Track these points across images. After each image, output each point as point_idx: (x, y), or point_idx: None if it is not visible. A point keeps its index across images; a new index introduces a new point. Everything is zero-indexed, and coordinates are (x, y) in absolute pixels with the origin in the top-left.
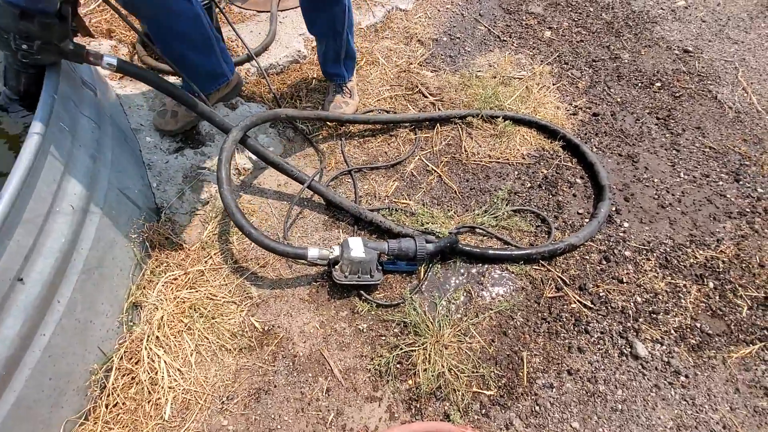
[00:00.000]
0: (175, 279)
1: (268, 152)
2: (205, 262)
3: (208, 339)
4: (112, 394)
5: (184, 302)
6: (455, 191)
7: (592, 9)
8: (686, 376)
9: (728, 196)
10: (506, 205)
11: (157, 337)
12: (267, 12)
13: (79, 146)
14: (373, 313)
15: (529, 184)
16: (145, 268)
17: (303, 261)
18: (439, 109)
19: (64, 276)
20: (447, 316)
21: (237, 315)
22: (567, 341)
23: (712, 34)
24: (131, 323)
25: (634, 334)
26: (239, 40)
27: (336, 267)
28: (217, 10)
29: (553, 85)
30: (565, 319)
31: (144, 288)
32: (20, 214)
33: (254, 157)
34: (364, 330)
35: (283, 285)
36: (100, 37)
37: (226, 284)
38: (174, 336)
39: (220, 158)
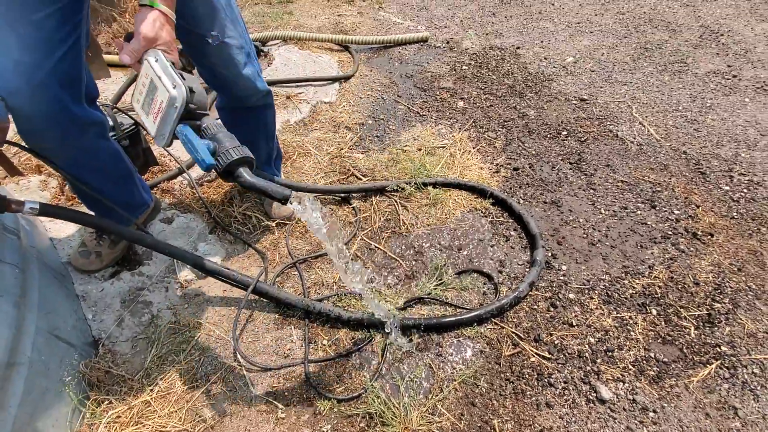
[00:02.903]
0: (118, 417)
1: (205, 260)
2: (151, 390)
3: None
4: None
5: None
6: (400, 264)
7: (494, 77)
8: (654, 411)
9: (649, 222)
10: (449, 269)
11: None
12: None
13: None
14: (335, 410)
15: (470, 245)
16: (84, 411)
17: None
18: (374, 180)
19: None
20: (412, 398)
21: None
22: (534, 399)
23: (602, 80)
24: None
25: (596, 376)
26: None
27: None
28: (144, 132)
29: (473, 148)
30: (527, 376)
31: None
32: None
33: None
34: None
35: (237, 399)
36: (29, 173)
37: (176, 411)
38: None
39: None
